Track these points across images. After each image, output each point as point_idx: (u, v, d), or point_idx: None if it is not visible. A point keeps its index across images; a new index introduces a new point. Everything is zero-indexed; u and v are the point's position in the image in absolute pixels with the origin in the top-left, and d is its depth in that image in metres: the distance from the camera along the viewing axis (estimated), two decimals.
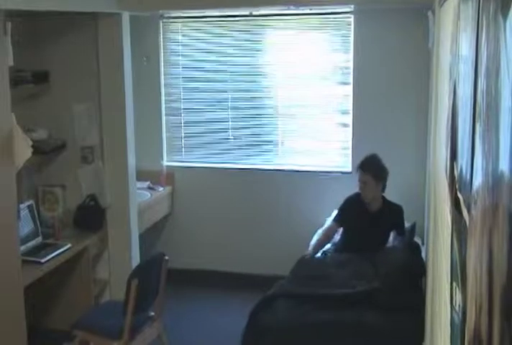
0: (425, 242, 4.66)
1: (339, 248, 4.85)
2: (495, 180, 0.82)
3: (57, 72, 4.89)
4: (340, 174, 5.69)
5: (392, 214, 4.75)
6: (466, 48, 1.30)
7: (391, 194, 4.86)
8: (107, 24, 4.76)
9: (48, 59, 4.87)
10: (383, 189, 4.71)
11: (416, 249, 4.53)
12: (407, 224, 4.85)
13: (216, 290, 5.79)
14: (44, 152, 4.67)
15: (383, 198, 4.76)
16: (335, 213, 5.05)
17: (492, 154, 0.86)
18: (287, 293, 4.20)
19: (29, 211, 4.51)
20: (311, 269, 4.47)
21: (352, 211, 4.75)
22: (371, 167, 4.64)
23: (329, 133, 5.81)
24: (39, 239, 4.54)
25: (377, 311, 3.98)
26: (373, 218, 4.69)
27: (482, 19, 1.03)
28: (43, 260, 4.22)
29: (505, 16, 0.78)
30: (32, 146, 4.04)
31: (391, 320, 3.94)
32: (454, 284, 1.33)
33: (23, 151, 3.91)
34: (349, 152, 5.68)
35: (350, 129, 5.66)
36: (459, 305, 1.21)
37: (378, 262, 4.41)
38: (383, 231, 4.77)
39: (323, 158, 5.82)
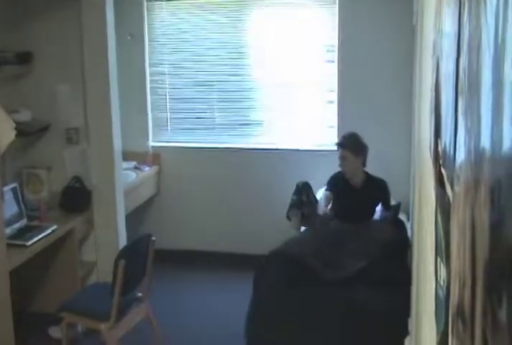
0: (410, 218, 4.69)
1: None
2: (477, 156, 0.83)
3: (40, 53, 4.84)
4: (326, 152, 5.69)
5: (376, 188, 4.79)
6: (449, 24, 1.30)
7: (377, 171, 4.88)
8: (91, 4, 4.70)
9: (31, 39, 4.81)
10: (364, 164, 4.74)
11: (401, 224, 4.60)
12: (393, 202, 4.88)
13: (202, 270, 5.82)
14: (28, 133, 4.63)
15: (366, 173, 4.79)
16: (322, 190, 5.08)
17: (474, 129, 0.86)
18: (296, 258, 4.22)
19: (13, 194, 4.47)
20: (325, 237, 4.51)
21: (337, 188, 4.78)
22: (348, 143, 4.70)
23: (315, 111, 5.82)
24: (23, 222, 4.51)
25: (366, 289, 4.02)
26: (359, 194, 4.74)
27: None
28: (28, 243, 4.20)
29: None
30: (16, 128, 4.01)
31: (380, 298, 3.98)
32: (439, 259, 1.34)
33: (6, 133, 3.88)
34: (335, 130, 5.69)
35: (335, 107, 5.66)
36: (444, 280, 1.22)
37: (364, 238, 4.45)
38: (369, 206, 4.82)
39: (310, 136, 5.82)
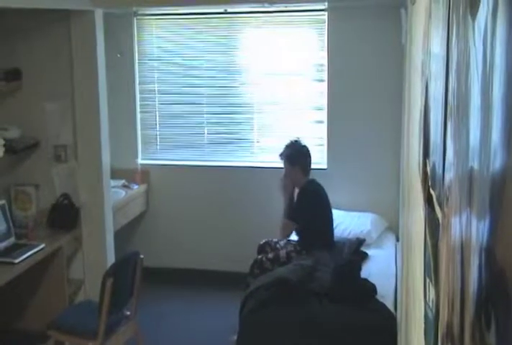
0: (400, 238, 4.69)
1: None
2: (465, 177, 0.83)
3: (29, 70, 4.83)
4: (316, 170, 5.69)
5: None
6: (437, 46, 1.31)
7: (366, 190, 4.89)
8: (80, 22, 4.71)
9: (20, 57, 4.81)
10: (306, 172, 4.84)
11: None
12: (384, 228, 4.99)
13: (191, 288, 5.78)
14: (16, 150, 4.61)
15: (308, 181, 4.85)
16: None
17: (462, 151, 0.86)
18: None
19: (2, 211, 4.44)
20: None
21: None
22: (284, 152, 4.87)
23: (305, 130, 5.82)
24: (11, 240, 4.48)
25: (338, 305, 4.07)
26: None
27: (452, 18, 1.03)
28: (16, 261, 4.15)
29: (473, 16, 0.79)
30: (4, 145, 4.00)
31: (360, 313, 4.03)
32: (428, 279, 1.34)
33: None
34: (324, 148, 5.70)
35: (325, 126, 5.67)
36: (433, 301, 1.22)
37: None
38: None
39: None
